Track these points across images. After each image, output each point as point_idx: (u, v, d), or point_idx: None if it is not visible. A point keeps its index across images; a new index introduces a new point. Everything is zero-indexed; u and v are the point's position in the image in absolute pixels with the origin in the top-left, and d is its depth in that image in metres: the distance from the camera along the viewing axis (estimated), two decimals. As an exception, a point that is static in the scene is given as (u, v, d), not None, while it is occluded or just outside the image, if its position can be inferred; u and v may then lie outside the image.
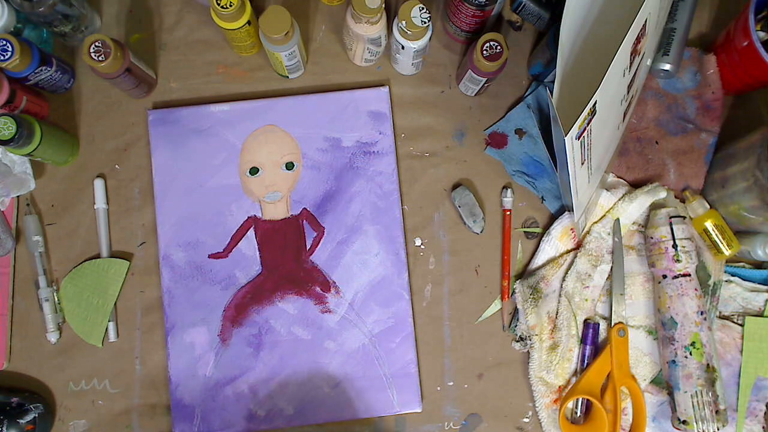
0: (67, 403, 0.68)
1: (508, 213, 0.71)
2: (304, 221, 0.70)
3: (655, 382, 0.68)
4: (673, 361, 0.64)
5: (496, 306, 0.70)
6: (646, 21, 0.55)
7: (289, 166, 0.70)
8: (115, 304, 0.69)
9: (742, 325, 0.68)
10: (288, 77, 0.72)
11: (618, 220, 0.68)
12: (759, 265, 0.70)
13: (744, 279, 0.69)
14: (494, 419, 0.69)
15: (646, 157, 0.70)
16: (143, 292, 0.69)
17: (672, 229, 0.65)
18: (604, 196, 0.69)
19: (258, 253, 0.69)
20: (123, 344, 0.69)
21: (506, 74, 0.71)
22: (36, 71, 0.64)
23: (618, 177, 0.71)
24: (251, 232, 0.69)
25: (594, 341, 0.68)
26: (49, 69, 0.65)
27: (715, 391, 0.62)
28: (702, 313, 0.64)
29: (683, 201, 0.70)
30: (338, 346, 0.68)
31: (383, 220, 0.70)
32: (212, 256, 0.69)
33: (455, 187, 0.71)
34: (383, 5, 0.62)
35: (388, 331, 0.68)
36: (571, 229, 0.69)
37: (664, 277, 0.65)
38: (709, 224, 0.67)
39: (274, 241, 0.69)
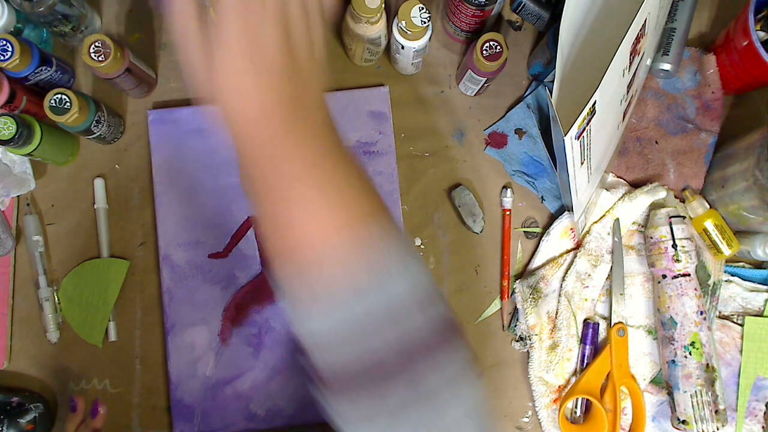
0: (67, 403, 0.68)
1: (508, 213, 0.70)
2: (304, 221, 0.69)
3: (655, 381, 0.68)
4: (673, 361, 0.64)
5: (495, 306, 0.70)
6: (645, 21, 0.55)
7: (289, 166, 0.70)
8: (115, 304, 0.69)
9: (741, 325, 0.68)
10: (288, 77, 0.72)
11: (618, 220, 0.68)
12: (759, 265, 0.70)
13: (744, 279, 0.69)
14: (494, 419, 0.68)
15: (645, 157, 0.70)
16: (143, 292, 0.69)
17: (672, 229, 0.65)
18: (604, 196, 0.69)
19: (258, 252, 0.69)
20: (123, 344, 0.69)
21: (506, 74, 0.71)
22: (36, 71, 0.64)
23: (618, 177, 0.71)
24: (251, 232, 0.69)
25: (594, 341, 0.68)
26: (49, 69, 0.65)
27: (714, 391, 0.62)
28: (702, 313, 0.64)
29: (683, 201, 0.70)
30: (338, 346, 0.68)
31: (383, 220, 0.70)
32: (212, 256, 0.69)
33: (455, 187, 0.71)
34: (383, 5, 0.62)
35: (388, 331, 0.68)
36: (571, 229, 0.69)
37: (664, 277, 0.65)
38: (708, 224, 0.67)
39: (274, 241, 0.69)
